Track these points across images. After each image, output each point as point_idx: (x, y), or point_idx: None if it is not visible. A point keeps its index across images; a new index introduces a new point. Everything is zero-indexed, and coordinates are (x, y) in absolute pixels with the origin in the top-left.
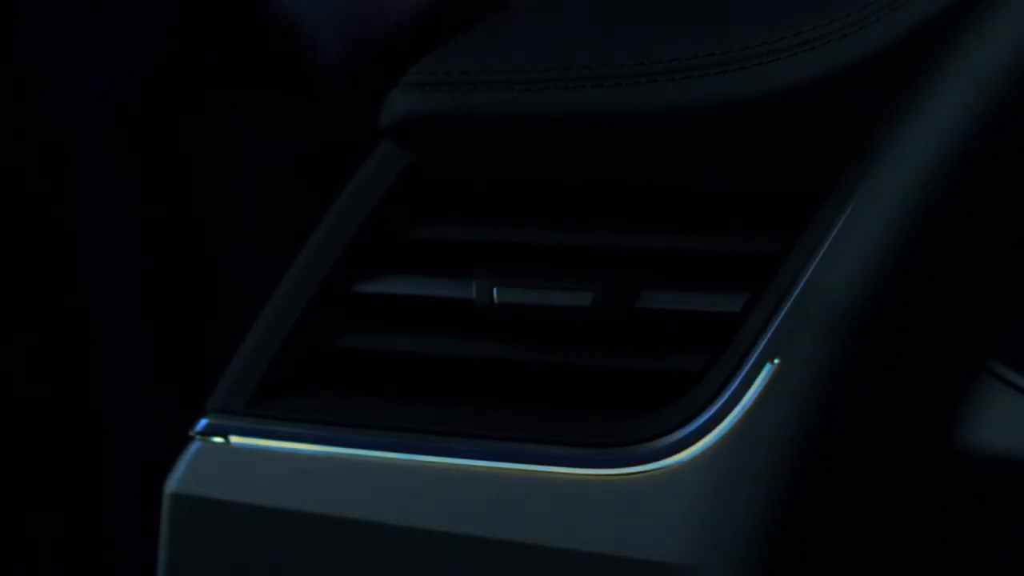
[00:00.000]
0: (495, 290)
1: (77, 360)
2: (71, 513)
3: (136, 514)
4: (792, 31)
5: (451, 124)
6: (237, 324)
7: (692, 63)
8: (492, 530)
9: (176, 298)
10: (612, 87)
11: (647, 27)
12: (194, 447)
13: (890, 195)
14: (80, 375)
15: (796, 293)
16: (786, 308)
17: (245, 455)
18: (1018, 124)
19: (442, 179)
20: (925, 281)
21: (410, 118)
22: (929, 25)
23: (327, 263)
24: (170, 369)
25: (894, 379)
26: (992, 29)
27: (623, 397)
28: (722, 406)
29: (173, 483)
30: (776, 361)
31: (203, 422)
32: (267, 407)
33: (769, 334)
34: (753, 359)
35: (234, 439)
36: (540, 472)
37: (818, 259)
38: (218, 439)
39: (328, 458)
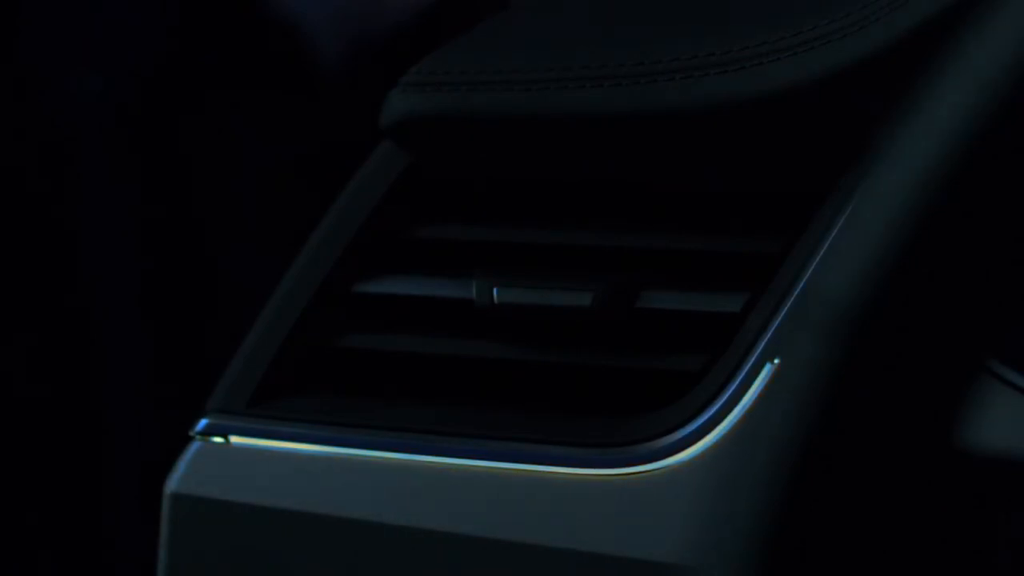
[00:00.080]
0: (495, 290)
1: (77, 360)
2: (71, 513)
3: (136, 514)
4: (792, 31)
5: (451, 124)
6: (237, 324)
7: (692, 63)
8: (492, 530)
9: (176, 298)
10: (612, 87)
11: (647, 27)
12: (194, 447)
13: (890, 195)
14: (80, 375)
15: (796, 293)
16: (786, 308)
17: (245, 455)
18: (1018, 124)
19: (442, 179)
20: (925, 281)
21: (410, 118)
22: (929, 25)
23: (327, 263)
24: (170, 369)
25: (894, 379)
26: (992, 29)
27: (623, 397)
28: (722, 406)
29: (173, 483)
30: (776, 361)
31: (203, 422)
32: (267, 407)
33: (769, 334)
34: (753, 359)
35: (234, 439)
36: (540, 472)
37: (818, 259)
38: (218, 439)
39: (328, 458)
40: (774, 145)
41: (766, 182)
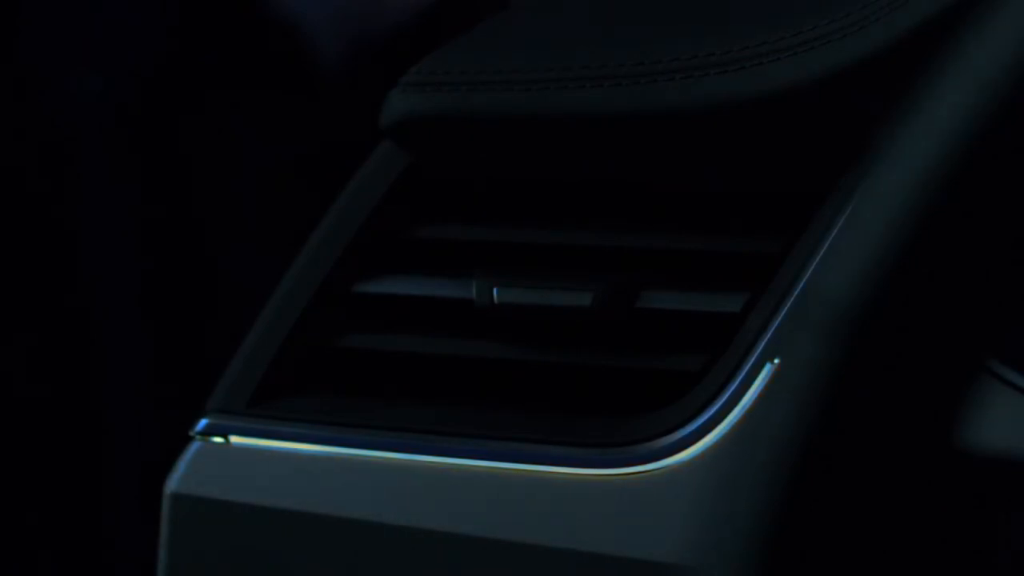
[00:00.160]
0: (495, 290)
1: (77, 360)
2: (71, 513)
3: (136, 514)
4: (792, 31)
5: (451, 124)
6: (237, 324)
7: (692, 63)
8: (492, 530)
9: (176, 298)
10: (612, 87)
11: (647, 27)
12: (194, 447)
13: (890, 195)
14: (80, 375)
15: (796, 293)
16: (786, 308)
17: (245, 455)
18: (1018, 124)
19: (442, 179)
20: (925, 281)
21: (410, 118)
22: (929, 25)
23: (327, 263)
24: (170, 369)
25: (894, 379)
26: (992, 29)
27: (623, 397)
28: (722, 406)
29: (173, 483)
30: (776, 361)
31: (203, 422)
32: (267, 407)
33: (769, 334)
34: (753, 359)
35: (234, 439)
36: (540, 472)
37: (818, 259)
38: (218, 439)
39: (328, 458)
40: (774, 145)
41: (766, 182)
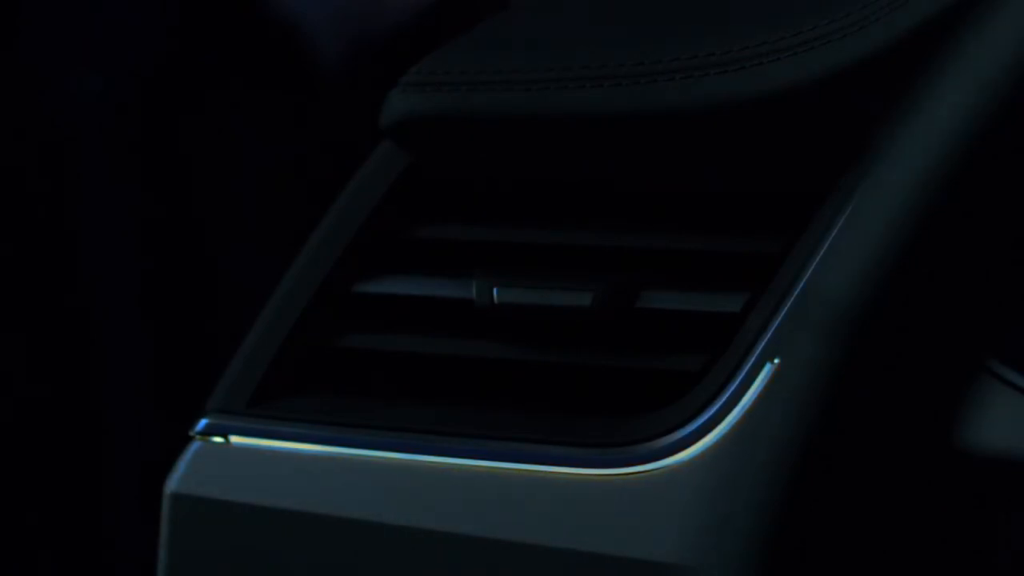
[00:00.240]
0: (495, 290)
1: (77, 360)
2: (71, 513)
3: (136, 514)
4: (792, 31)
5: (451, 124)
6: (237, 324)
7: (692, 63)
8: (492, 530)
9: (176, 298)
10: (612, 87)
11: (647, 27)
12: (194, 447)
13: (890, 195)
14: (80, 375)
15: (796, 293)
16: (786, 308)
17: (245, 455)
18: (1018, 124)
19: (442, 179)
20: (925, 281)
21: (410, 118)
22: (929, 25)
23: (327, 263)
24: (170, 369)
25: (894, 379)
26: (992, 29)
27: (623, 397)
28: (722, 406)
29: (173, 483)
30: (776, 361)
31: (203, 422)
32: (267, 407)
33: (769, 334)
34: (753, 359)
35: (234, 439)
36: (540, 472)
37: (818, 259)
38: (218, 439)
39: (328, 458)
40: (774, 145)
41: (766, 182)
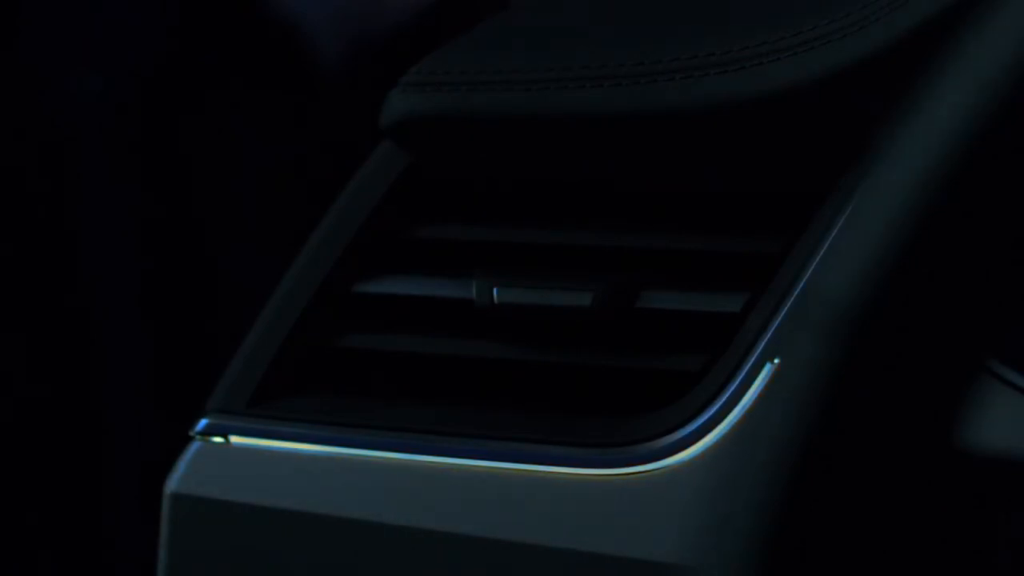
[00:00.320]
0: (495, 290)
1: (77, 360)
2: (71, 513)
3: (136, 514)
4: (792, 31)
5: (451, 124)
6: (237, 324)
7: (692, 63)
8: (492, 530)
9: (176, 298)
10: (612, 87)
11: (647, 27)
12: (194, 447)
13: (890, 195)
14: (80, 375)
15: (796, 293)
16: (786, 308)
17: (245, 455)
18: (1018, 124)
19: (442, 179)
20: (925, 281)
21: (410, 118)
22: (929, 25)
23: (327, 263)
24: (170, 369)
25: (894, 379)
26: (992, 29)
27: (623, 397)
28: (722, 406)
29: (173, 483)
30: (776, 361)
31: (203, 422)
32: (267, 407)
33: (769, 334)
34: (753, 359)
35: (234, 439)
36: (540, 472)
37: (818, 259)
38: (218, 439)
39: (328, 458)
40: (774, 145)
41: (766, 182)
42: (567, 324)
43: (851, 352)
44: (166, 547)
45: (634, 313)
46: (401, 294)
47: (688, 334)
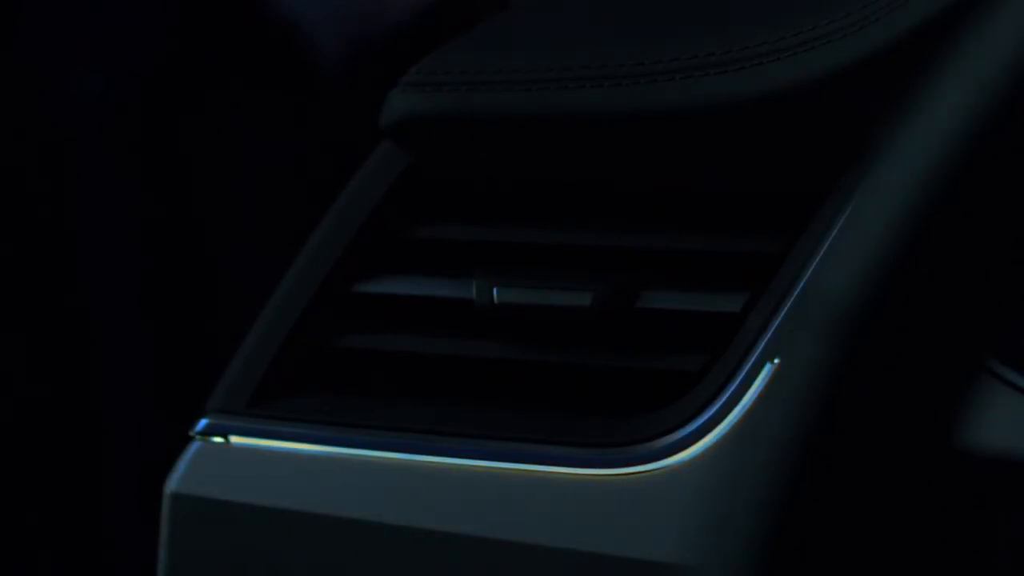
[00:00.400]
0: (495, 290)
1: (77, 360)
2: (71, 513)
3: (136, 514)
4: (792, 31)
5: (451, 124)
6: (237, 324)
7: (692, 63)
8: (492, 530)
9: (176, 298)
10: (612, 87)
11: (647, 27)
12: (194, 447)
13: (890, 195)
14: (80, 375)
15: (796, 293)
16: (786, 308)
17: (245, 455)
18: (1018, 124)
19: (442, 179)
20: (925, 281)
21: (410, 118)
22: (929, 25)
23: (327, 263)
24: (170, 369)
25: (894, 379)
26: (992, 29)
27: (623, 397)
28: (722, 406)
29: (173, 483)
30: (776, 361)
31: (203, 422)
32: (267, 407)
33: (769, 334)
34: (753, 359)
35: (234, 439)
36: (540, 472)
37: (818, 259)
38: (218, 439)
39: (328, 458)
40: (774, 145)
41: (766, 182)
42: (567, 324)
43: (851, 352)
44: (166, 547)
45: (634, 313)
46: (401, 294)
47: (688, 334)
